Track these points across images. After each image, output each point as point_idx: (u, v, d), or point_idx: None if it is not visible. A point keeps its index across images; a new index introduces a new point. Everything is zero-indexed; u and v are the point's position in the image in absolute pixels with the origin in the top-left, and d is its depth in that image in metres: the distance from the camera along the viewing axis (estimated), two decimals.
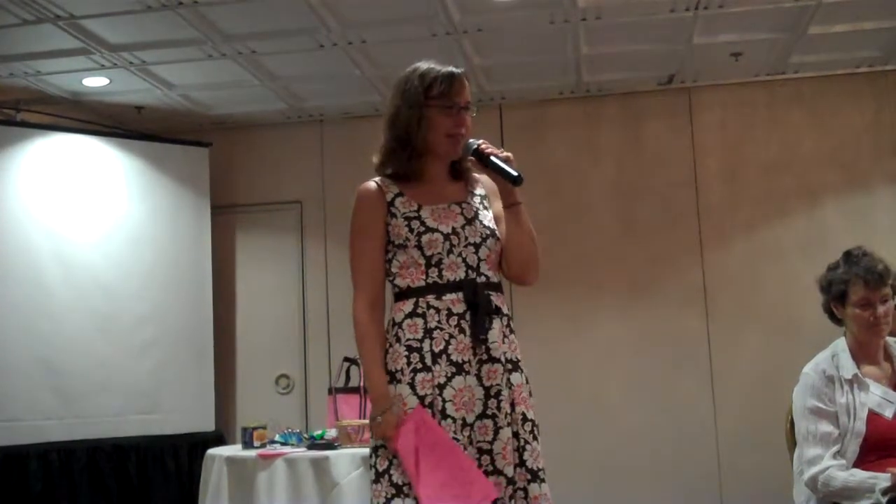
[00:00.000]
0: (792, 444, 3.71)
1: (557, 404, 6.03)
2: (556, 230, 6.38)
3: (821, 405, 3.44)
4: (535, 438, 2.79)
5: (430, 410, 2.69)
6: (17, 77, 5.75)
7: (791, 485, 3.61)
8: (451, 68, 2.86)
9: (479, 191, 2.96)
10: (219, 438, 6.34)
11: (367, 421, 4.41)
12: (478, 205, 2.90)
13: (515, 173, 2.77)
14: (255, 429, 4.70)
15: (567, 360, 6.41)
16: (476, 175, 2.98)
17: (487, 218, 2.89)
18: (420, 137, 2.81)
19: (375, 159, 2.92)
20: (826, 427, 3.39)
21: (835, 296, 3.55)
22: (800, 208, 6.39)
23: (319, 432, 4.63)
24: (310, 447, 4.45)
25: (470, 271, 2.79)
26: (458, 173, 2.95)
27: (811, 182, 6.38)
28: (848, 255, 3.55)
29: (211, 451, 4.73)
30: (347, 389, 4.84)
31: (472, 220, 2.85)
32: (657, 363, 6.36)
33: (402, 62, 2.95)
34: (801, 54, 5.99)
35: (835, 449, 3.37)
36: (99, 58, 5.51)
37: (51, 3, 4.75)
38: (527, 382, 2.86)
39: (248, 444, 4.66)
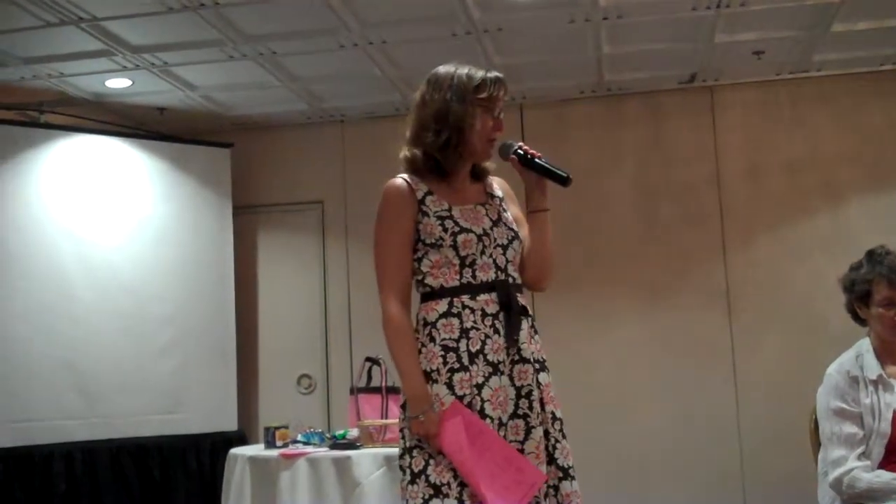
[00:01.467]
0: (816, 445, 3.69)
1: (579, 405, 5.99)
2: (577, 230, 6.37)
3: (845, 406, 3.42)
4: (564, 437, 2.81)
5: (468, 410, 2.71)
6: (40, 79, 5.79)
7: (815, 486, 3.59)
8: (496, 73, 2.89)
9: (497, 192, 2.97)
10: (241, 438, 6.36)
11: (388, 421, 4.44)
12: (499, 206, 2.91)
13: (565, 174, 2.82)
14: (277, 428, 4.71)
15: (588, 361, 6.38)
16: (491, 177, 2.99)
17: (510, 220, 2.90)
18: (472, 133, 2.82)
19: (409, 153, 2.87)
20: (850, 428, 3.37)
21: (858, 296, 3.52)
22: (823, 207, 6.35)
23: (341, 432, 4.64)
24: (332, 447, 4.46)
25: (499, 272, 2.80)
26: (478, 175, 2.95)
27: (834, 181, 6.33)
28: (871, 254, 3.53)
29: (233, 451, 4.75)
30: (369, 389, 4.85)
31: (497, 221, 2.86)
32: (680, 364, 6.33)
33: (422, 62, 2.95)
34: (824, 52, 5.95)
35: (859, 450, 3.35)
36: (121, 59, 5.54)
37: (73, 5, 4.77)
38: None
39: (270, 444, 4.67)
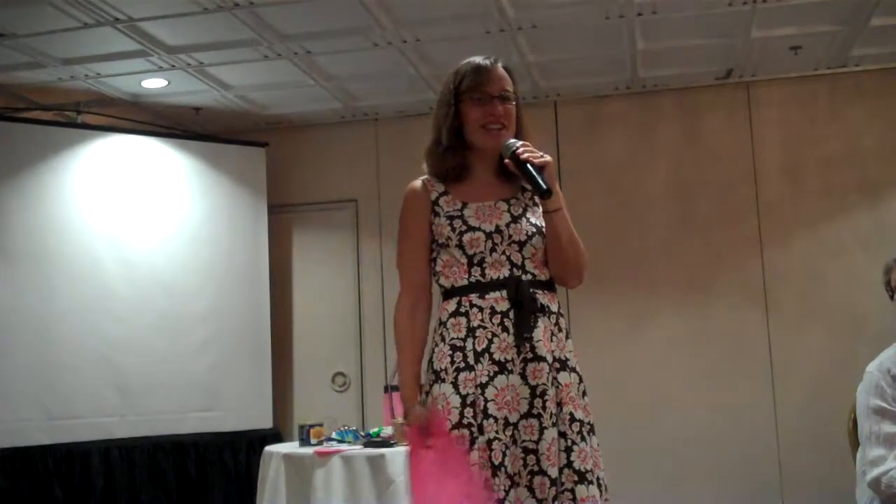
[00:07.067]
0: (855, 443, 3.65)
1: (615, 403, 5.98)
2: (612, 227, 6.33)
3: (885, 405, 3.38)
4: (583, 439, 2.71)
5: (472, 410, 2.66)
6: (77, 79, 5.85)
7: (854, 485, 3.55)
8: (480, 60, 2.85)
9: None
10: (276, 436, 6.39)
11: None
12: (527, 201, 2.85)
13: (545, 185, 2.67)
14: (311, 426, 4.74)
15: (624, 359, 6.35)
16: None
17: (536, 215, 2.82)
18: (451, 133, 2.82)
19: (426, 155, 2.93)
20: (890, 427, 3.33)
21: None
22: (861, 203, 6.27)
23: (375, 430, 4.66)
24: (366, 445, 4.48)
25: (515, 269, 2.75)
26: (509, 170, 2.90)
27: (873, 177, 6.25)
28: None
29: (269, 448, 4.78)
30: None
31: (518, 217, 2.79)
32: (716, 362, 6.28)
33: (456, 60, 2.94)
34: (863, 47, 5.87)
35: None
36: (157, 60, 5.58)
37: (110, 6, 4.81)
38: (580, 382, 2.79)
39: (305, 442, 4.70)
